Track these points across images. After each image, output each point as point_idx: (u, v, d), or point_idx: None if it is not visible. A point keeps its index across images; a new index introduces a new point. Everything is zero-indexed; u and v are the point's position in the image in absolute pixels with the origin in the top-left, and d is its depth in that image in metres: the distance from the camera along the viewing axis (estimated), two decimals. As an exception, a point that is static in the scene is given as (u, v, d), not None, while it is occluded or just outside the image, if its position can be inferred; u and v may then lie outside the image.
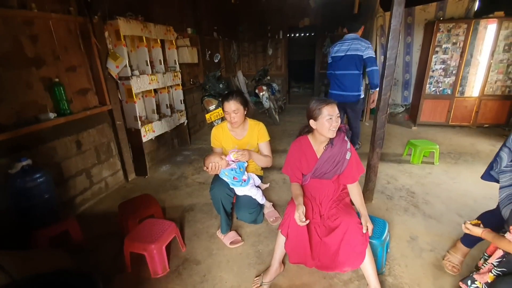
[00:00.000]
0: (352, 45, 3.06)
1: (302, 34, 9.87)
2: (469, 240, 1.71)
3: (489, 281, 1.30)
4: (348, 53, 3.09)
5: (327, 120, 1.57)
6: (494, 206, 1.86)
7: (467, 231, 1.40)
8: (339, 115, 1.60)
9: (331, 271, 1.67)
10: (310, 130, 1.73)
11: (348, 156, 1.66)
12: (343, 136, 1.68)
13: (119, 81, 2.88)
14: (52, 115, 2.22)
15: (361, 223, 1.51)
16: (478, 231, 1.36)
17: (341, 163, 1.67)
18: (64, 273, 1.37)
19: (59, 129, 2.33)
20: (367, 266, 1.51)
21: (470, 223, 1.41)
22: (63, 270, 1.43)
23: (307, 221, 1.51)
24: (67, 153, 2.44)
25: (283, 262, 1.77)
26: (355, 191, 1.69)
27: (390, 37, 2.03)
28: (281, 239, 1.65)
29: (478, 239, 1.73)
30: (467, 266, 1.74)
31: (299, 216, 1.48)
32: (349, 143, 1.68)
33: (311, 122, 1.65)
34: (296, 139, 1.80)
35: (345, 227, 1.51)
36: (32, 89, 2.14)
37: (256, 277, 1.71)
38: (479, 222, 1.42)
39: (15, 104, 2.02)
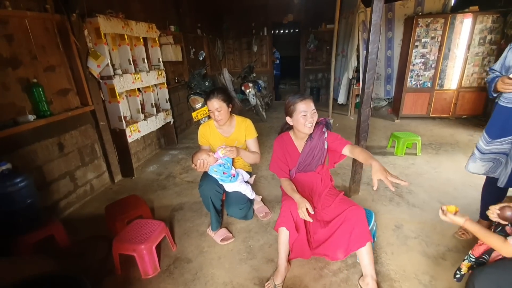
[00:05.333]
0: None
1: (286, 31, 9.91)
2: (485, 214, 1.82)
3: (465, 269, 1.32)
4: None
5: (302, 116, 1.57)
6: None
7: (446, 219, 1.26)
8: (314, 110, 1.60)
9: (322, 256, 1.68)
10: (291, 126, 1.74)
11: (326, 146, 1.70)
12: (322, 128, 1.71)
13: (101, 81, 2.81)
14: (31, 117, 2.14)
15: (360, 209, 1.51)
16: (459, 221, 1.22)
17: (321, 152, 1.70)
18: (50, 278, 1.33)
19: (39, 132, 2.25)
20: (366, 256, 1.51)
21: (448, 211, 1.26)
22: (49, 274, 1.40)
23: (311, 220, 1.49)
24: (48, 156, 2.36)
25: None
26: (357, 151, 1.57)
27: (371, 32, 2.07)
28: (284, 236, 1.59)
29: None
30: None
31: (303, 211, 1.46)
32: (326, 133, 1.71)
33: (288, 119, 1.66)
34: (278, 136, 1.81)
35: (345, 216, 1.52)
36: (8, 90, 2.05)
37: (267, 281, 1.65)
38: (457, 209, 1.28)
39: (-9, 106, 1.94)
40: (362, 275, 1.60)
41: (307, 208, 1.47)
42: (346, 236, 1.51)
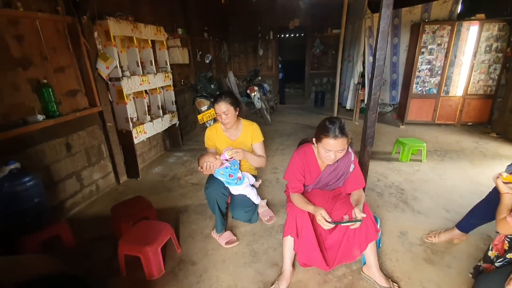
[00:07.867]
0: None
1: (292, 35, 9.96)
2: (465, 226, 1.84)
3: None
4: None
5: (326, 152, 1.48)
6: (479, 201, 1.94)
7: (494, 182, 1.31)
8: (343, 150, 1.47)
9: (341, 263, 1.68)
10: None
11: (351, 168, 1.65)
12: (347, 148, 1.63)
13: (109, 82, 2.84)
14: (40, 117, 2.17)
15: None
16: (503, 189, 1.25)
17: (345, 175, 1.66)
18: (56, 278, 1.34)
19: (48, 132, 2.28)
20: (373, 248, 1.58)
21: (502, 178, 1.28)
22: (55, 275, 1.41)
23: (332, 225, 1.42)
24: (56, 156, 2.39)
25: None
26: (356, 194, 1.63)
27: (379, 39, 2.07)
28: (289, 242, 1.60)
29: (473, 225, 1.80)
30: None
31: (322, 218, 1.39)
32: (353, 155, 1.65)
33: (314, 140, 1.57)
34: (300, 148, 1.71)
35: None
36: (19, 90, 2.08)
37: (271, 285, 1.65)
38: None
39: (1, 106, 1.96)
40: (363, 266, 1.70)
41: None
42: (357, 232, 1.52)
